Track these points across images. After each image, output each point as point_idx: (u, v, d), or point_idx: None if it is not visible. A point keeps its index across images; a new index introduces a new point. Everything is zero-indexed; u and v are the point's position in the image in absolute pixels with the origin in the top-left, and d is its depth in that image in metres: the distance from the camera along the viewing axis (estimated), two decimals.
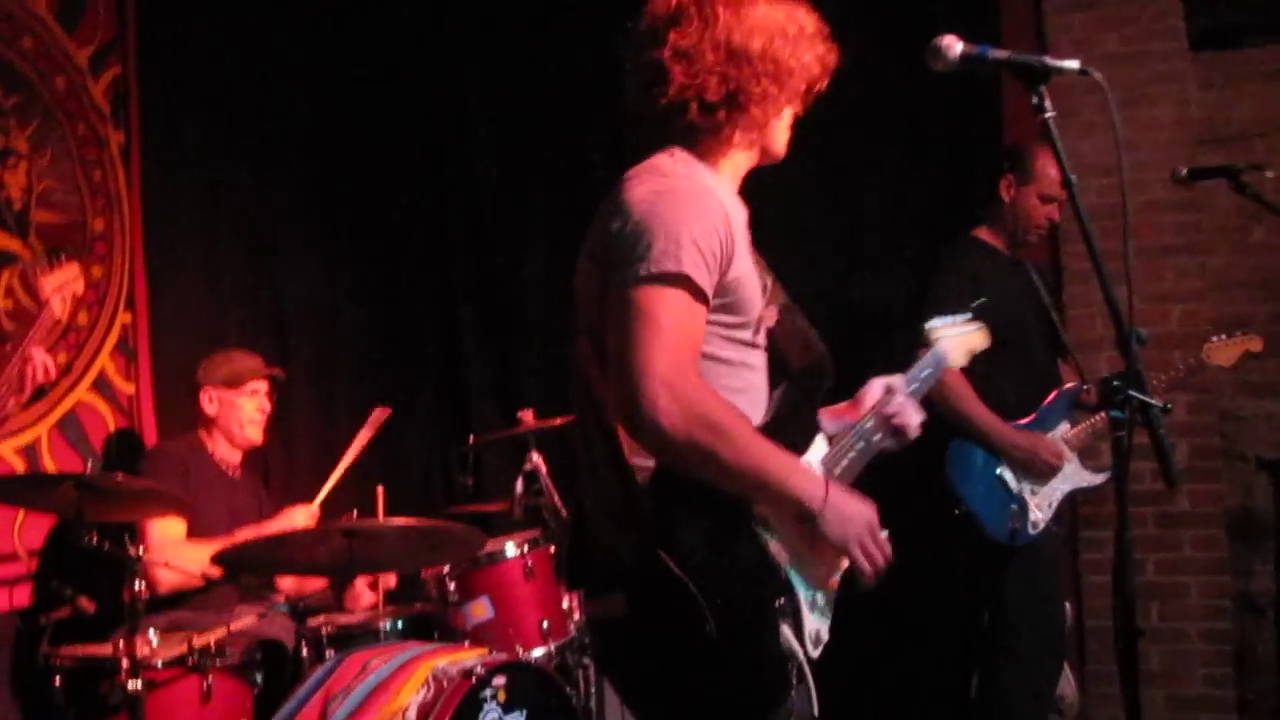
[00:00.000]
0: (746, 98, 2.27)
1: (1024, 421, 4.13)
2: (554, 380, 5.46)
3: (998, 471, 4.08)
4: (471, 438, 4.78)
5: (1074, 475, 4.15)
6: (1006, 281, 4.16)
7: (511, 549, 4.07)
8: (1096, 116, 4.69)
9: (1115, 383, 2.35)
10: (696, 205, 2.16)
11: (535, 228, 5.62)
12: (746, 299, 2.24)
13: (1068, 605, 4.66)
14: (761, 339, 2.34)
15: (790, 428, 2.30)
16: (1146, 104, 5.05)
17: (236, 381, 4.36)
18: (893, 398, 2.48)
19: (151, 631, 3.44)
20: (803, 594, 2.24)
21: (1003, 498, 4.06)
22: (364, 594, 4.20)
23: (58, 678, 3.49)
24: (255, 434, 4.43)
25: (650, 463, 2.15)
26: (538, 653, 4.00)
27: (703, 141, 2.31)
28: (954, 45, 2.39)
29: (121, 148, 4.75)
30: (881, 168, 5.03)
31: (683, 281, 2.10)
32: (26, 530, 4.18)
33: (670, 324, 2.08)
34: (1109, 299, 2.37)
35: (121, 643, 3.35)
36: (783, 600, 2.20)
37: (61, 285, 3.65)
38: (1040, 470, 4.07)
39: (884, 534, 2.24)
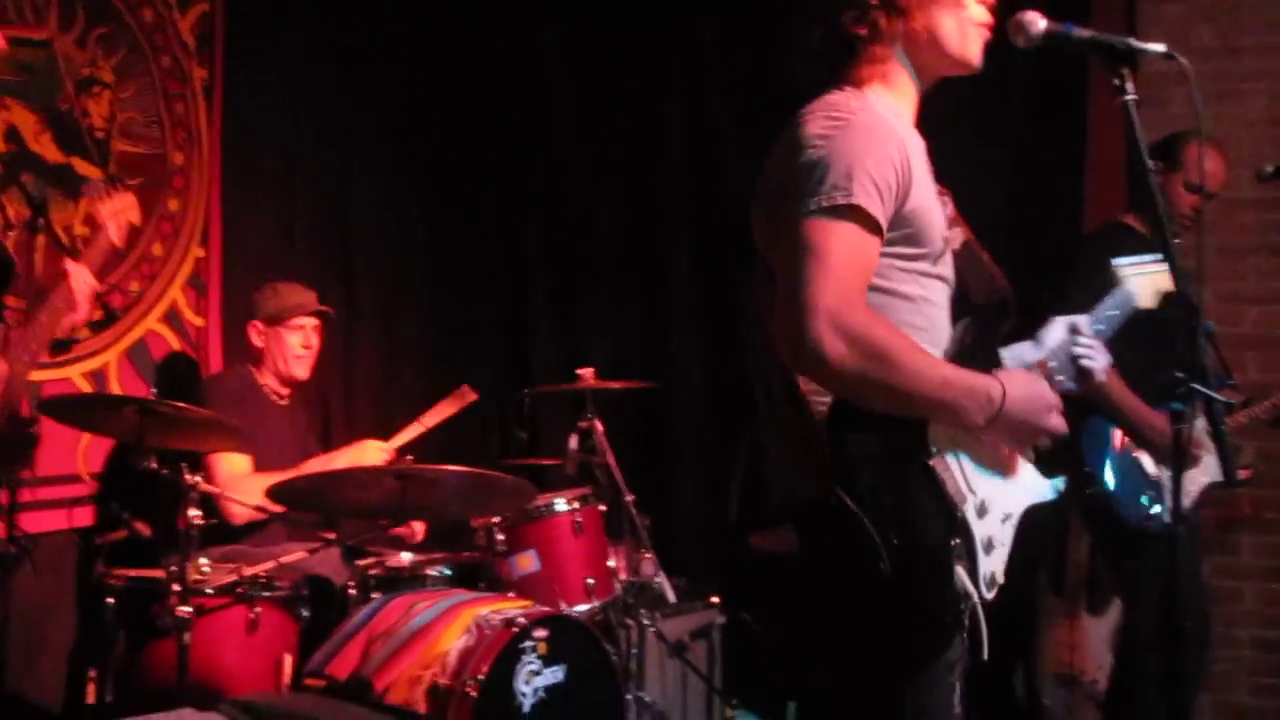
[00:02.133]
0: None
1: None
2: (618, 342, 5.48)
3: (1134, 454, 4.01)
4: (526, 390, 4.80)
5: (1214, 468, 4.04)
6: None
7: (561, 504, 4.09)
8: (1184, 109, 4.59)
9: (1179, 375, 2.32)
10: (870, 137, 2.17)
11: (609, 189, 5.62)
12: (926, 229, 2.24)
13: (1117, 600, 4.64)
14: (944, 270, 2.33)
15: (969, 364, 2.28)
16: (1237, 99, 4.95)
17: (280, 317, 4.37)
18: (1078, 337, 2.46)
19: (203, 560, 3.50)
20: (978, 532, 2.24)
21: (1139, 482, 4.00)
22: (415, 529, 4.25)
23: (111, 598, 3.56)
24: (301, 370, 4.42)
25: (828, 398, 2.17)
26: (581, 609, 4.03)
27: (871, 64, 2.31)
28: (1037, 20, 2.34)
29: (205, 84, 4.81)
30: (959, 157, 4.94)
31: (854, 213, 2.11)
32: (90, 452, 4.26)
33: (840, 257, 2.09)
34: (1179, 286, 2.33)
35: (173, 568, 3.40)
36: (957, 540, 2.20)
37: (117, 212, 3.70)
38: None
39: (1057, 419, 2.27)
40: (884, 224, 2.15)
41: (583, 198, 5.63)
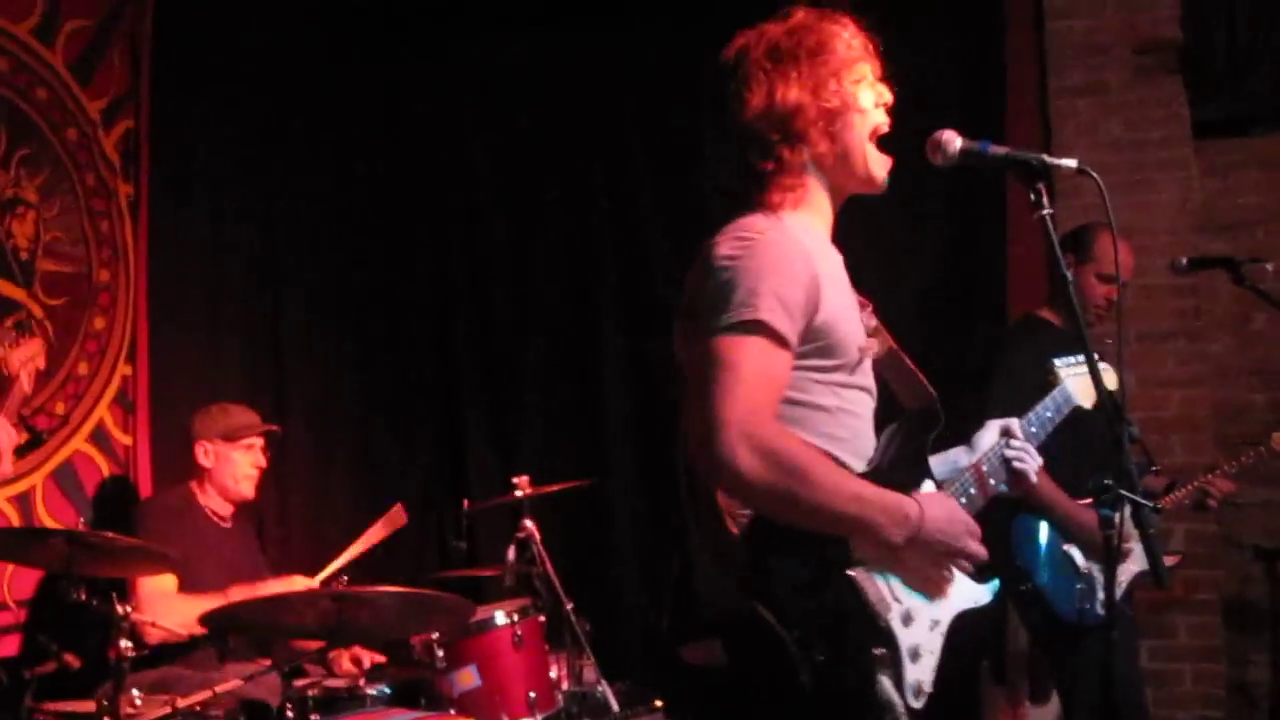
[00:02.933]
0: (801, 127, 2.30)
1: (1090, 501, 4.09)
2: (551, 447, 5.46)
3: (1065, 548, 4.04)
4: (466, 503, 4.77)
5: (1142, 558, 4.07)
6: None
7: (501, 617, 4.05)
8: (1097, 199, 4.69)
9: (1106, 481, 2.35)
10: (776, 255, 2.20)
11: (539, 295, 5.63)
12: (840, 341, 2.26)
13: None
14: (863, 380, 2.34)
15: (899, 470, 2.30)
16: (1149, 189, 5.09)
17: (233, 436, 4.36)
18: (1010, 440, 2.48)
19: (135, 691, 3.41)
20: (904, 641, 2.22)
21: (1070, 576, 4.03)
22: (348, 667, 4.18)
23: None
24: (248, 489, 4.42)
25: (748, 511, 2.17)
26: None
27: (783, 191, 2.33)
28: (954, 140, 2.40)
29: (130, 200, 4.80)
30: (885, 251, 5.03)
31: (761, 329, 2.13)
32: (16, 580, 4.17)
33: (748, 371, 2.11)
34: (1100, 392, 2.38)
35: (105, 701, 3.32)
36: (882, 650, 2.19)
37: (26, 360, 3.66)
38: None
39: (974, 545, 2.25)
40: (792, 339, 2.17)
41: (513, 305, 5.63)
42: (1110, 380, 2.77)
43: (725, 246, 2.23)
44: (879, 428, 2.40)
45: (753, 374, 2.12)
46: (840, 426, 2.27)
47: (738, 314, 2.13)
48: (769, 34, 2.37)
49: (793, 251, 2.23)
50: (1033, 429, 2.59)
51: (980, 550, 2.26)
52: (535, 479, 4.50)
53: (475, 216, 5.73)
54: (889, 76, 2.43)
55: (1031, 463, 2.49)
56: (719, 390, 2.10)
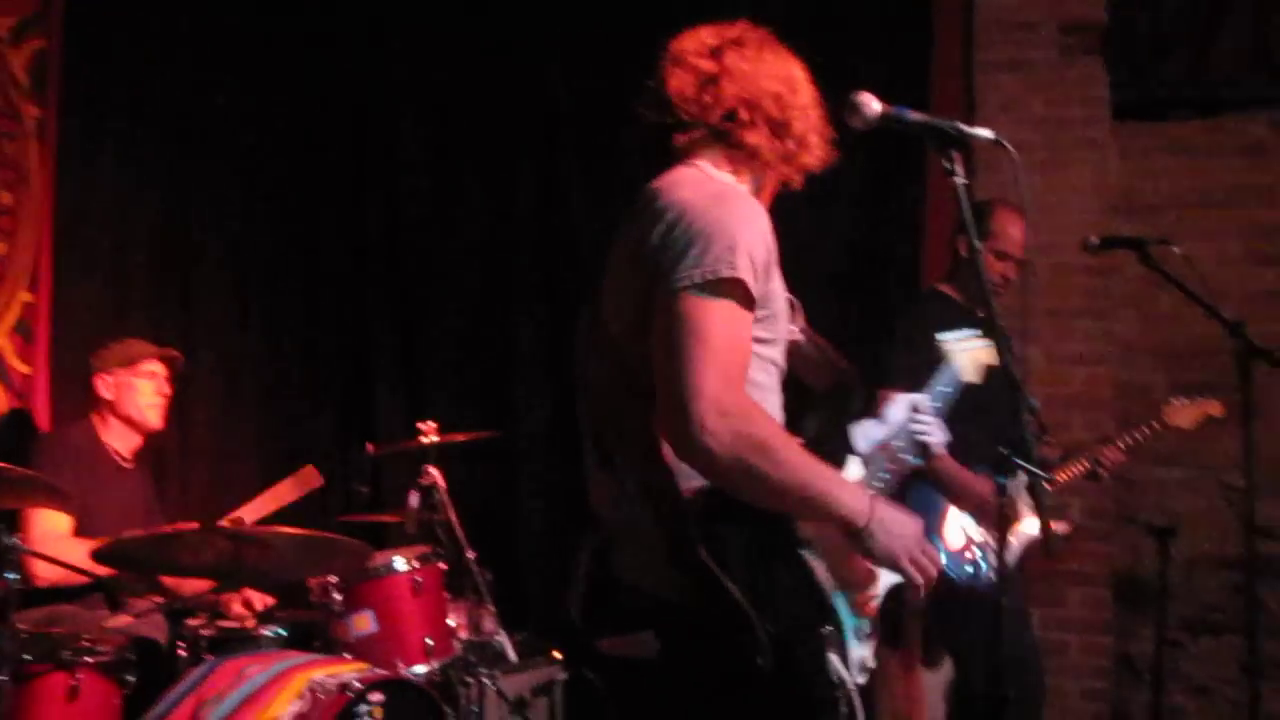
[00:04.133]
0: (785, 132, 2.29)
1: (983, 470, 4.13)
2: (462, 397, 5.42)
3: (958, 516, 4.08)
4: (371, 447, 4.72)
5: (1035, 525, 4.12)
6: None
7: (400, 563, 4.02)
8: (1013, 173, 4.74)
9: (1002, 450, 2.39)
10: (748, 211, 2.15)
11: (454, 239, 5.56)
12: (779, 314, 2.22)
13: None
14: (784, 361, 2.30)
15: (826, 451, 2.26)
16: (1066, 168, 5.14)
17: (132, 361, 4.30)
18: (917, 414, 2.50)
19: (20, 625, 3.35)
20: (847, 620, 2.23)
21: (963, 543, 4.08)
22: (239, 610, 4.13)
23: None
24: (155, 417, 4.36)
25: (695, 486, 2.10)
26: (420, 670, 3.95)
27: (730, 161, 2.31)
28: (871, 103, 2.40)
29: (38, 124, 4.67)
30: (803, 222, 5.04)
31: (736, 288, 2.07)
32: None
33: (722, 337, 2.04)
34: (1003, 362, 2.41)
35: None
36: (830, 628, 2.18)
37: None
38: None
39: (931, 548, 2.22)
40: (757, 302, 2.12)
41: (427, 249, 5.56)
42: (989, 356, 2.83)
43: (688, 193, 2.17)
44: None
45: (727, 340, 2.05)
46: (768, 404, 2.23)
47: (714, 270, 2.06)
48: (737, 26, 2.36)
49: (759, 212, 2.19)
50: (936, 404, 2.62)
51: (924, 570, 2.19)
52: (444, 427, 4.47)
53: (394, 162, 5.62)
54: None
55: (939, 436, 2.51)
56: (692, 358, 2.02)
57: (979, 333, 2.85)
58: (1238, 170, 5.27)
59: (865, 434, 2.45)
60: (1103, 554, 5.05)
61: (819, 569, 2.19)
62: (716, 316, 2.05)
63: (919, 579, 2.18)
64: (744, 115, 2.27)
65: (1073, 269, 5.05)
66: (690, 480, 2.11)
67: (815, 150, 2.35)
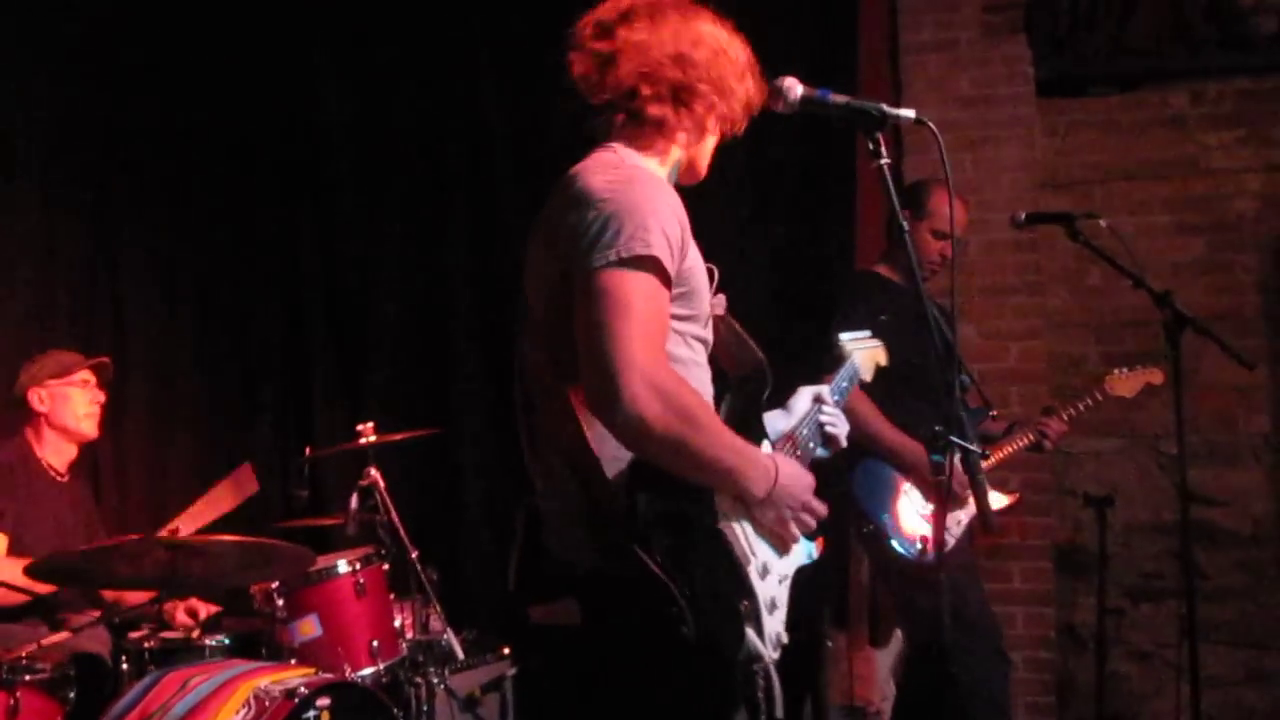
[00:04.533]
0: (691, 95, 2.29)
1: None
2: (399, 396, 5.39)
3: (905, 489, 4.10)
4: (309, 450, 4.68)
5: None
6: (903, 313, 4.20)
7: (343, 566, 3.99)
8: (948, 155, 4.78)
9: (937, 428, 2.41)
10: (657, 191, 2.19)
11: (388, 238, 5.52)
12: (698, 290, 2.25)
13: (899, 632, 4.79)
14: (708, 335, 2.34)
15: (738, 431, 2.28)
16: (994, 145, 5.20)
17: (64, 372, 4.24)
18: (823, 405, 2.53)
19: None
20: (761, 593, 2.25)
21: (910, 517, 4.09)
22: (183, 619, 4.09)
23: None
24: (90, 427, 4.31)
25: (618, 460, 2.14)
26: (366, 672, 3.93)
27: (644, 137, 2.33)
28: (795, 87, 2.41)
29: None
30: (735, 210, 5.05)
31: (651, 264, 2.11)
32: None
33: (642, 310, 2.08)
34: (938, 339, 2.43)
35: None
36: (746, 603, 2.20)
37: None
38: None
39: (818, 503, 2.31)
40: (673, 278, 2.16)
41: (361, 250, 5.51)
42: (882, 356, 2.89)
43: (600, 177, 2.20)
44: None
45: (647, 313, 2.09)
46: (691, 378, 2.25)
47: (629, 248, 2.09)
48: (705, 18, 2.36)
49: (668, 189, 2.23)
50: (835, 396, 2.65)
51: (821, 508, 2.33)
52: (382, 427, 4.44)
53: (324, 164, 5.57)
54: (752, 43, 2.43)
55: (842, 427, 2.55)
56: (616, 331, 2.06)
57: (872, 335, 2.91)
58: (1161, 142, 5.35)
59: (772, 424, 2.47)
60: (1043, 526, 5.11)
61: (736, 544, 2.22)
62: (637, 291, 2.09)
63: (812, 525, 2.33)
64: (645, 90, 2.28)
65: (1004, 246, 5.11)
66: (613, 456, 2.15)
67: (737, 95, 2.35)
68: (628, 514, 2.11)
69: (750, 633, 2.18)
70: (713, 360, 2.39)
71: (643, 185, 2.18)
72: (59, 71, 4.87)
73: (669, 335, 2.20)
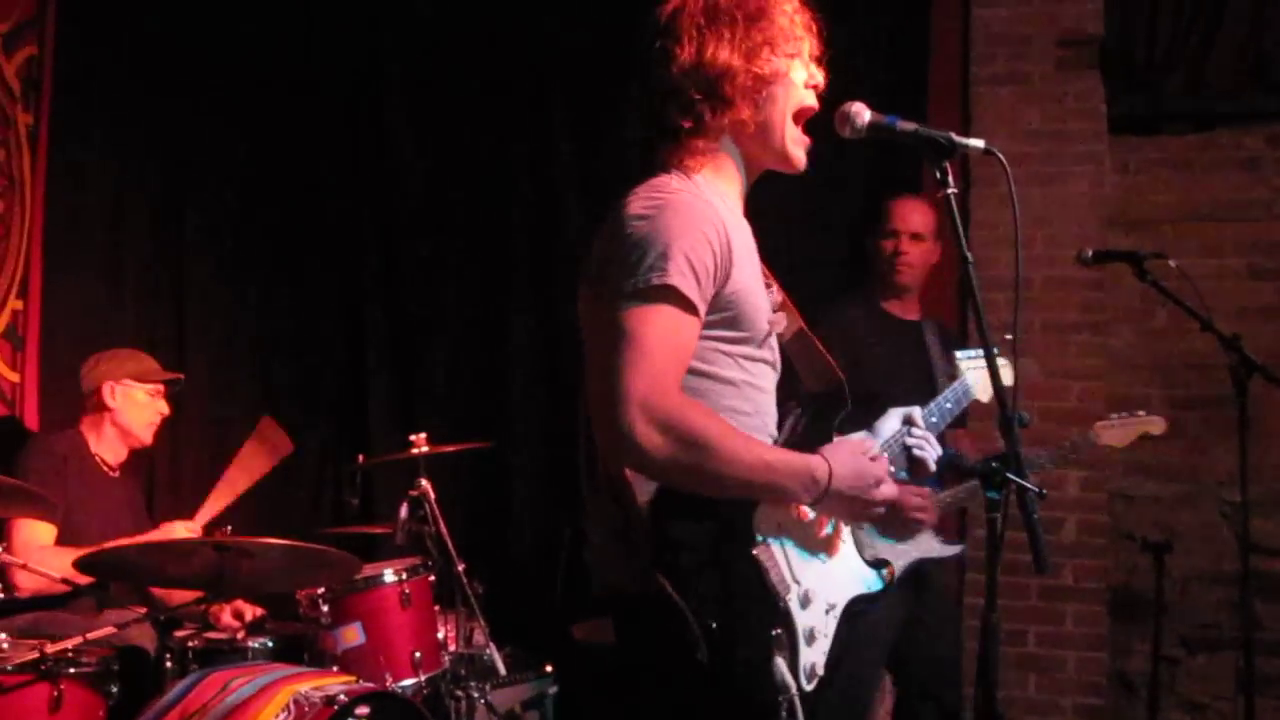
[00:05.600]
0: (713, 88, 2.26)
1: None
2: (453, 406, 5.39)
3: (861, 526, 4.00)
4: (361, 458, 4.70)
5: (925, 543, 4.04)
6: (879, 338, 4.15)
7: (389, 575, 4.00)
8: (1016, 188, 4.72)
9: (994, 464, 2.35)
10: (688, 217, 2.16)
11: (449, 253, 5.53)
12: (748, 313, 2.23)
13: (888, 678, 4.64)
14: (769, 354, 2.32)
15: (803, 450, 2.28)
16: (1063, 181, 5.12)
17: (145, 377, 4.32)
18: (911, 428, 2.49)
19: (1, 634, 3.32)
20: (800, 623, 2.22)
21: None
22: (229, 621, 4.10)
23: None
24: (149, 435, 4.40)
25: (649, 485, 2.14)
26: (407, 683, 3.93)
27: (691, 153, 2.31)
28: (862, 112, 2.38)
29: (30, 130, 4.66)
30: (798, 228, 5.00)
31: (669, 294, 2.10)
32: None
33: (654, 341, 2.08)
34: (994, 377, 2.37)
35: None
36: (779, 630, 2.18)
37: None
38: (904, 523, 3.83)
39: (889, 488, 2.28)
40: (701, 305, 2.14)
41: (421, 260, 5.53)
42: (1007, 374, 2.82)
43: (636, 205, 2.20)
44: (781, 407, 2.40)
45: (658, 344, 2.08)
46: (744, 400, 2.25)
47: (647, 278, 2.09)
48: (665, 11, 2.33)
49: (706, 214, 2.20)
50: (933, 419, 2.61)
51: (890, 491, 2.29)
52: (436, 438, 4.45)
53: (388, 168, 5.60)
54: (825, 60, 2.41)
55: (931, 451, 2.50)
56: (622, 363, 2.06)
57: (995, 351, 2.84)
58: (1234, 184, 5.25)
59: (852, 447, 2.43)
60: (1098, 570, 5.02)
61: (774, 569, 2.19)
62: (649, 322, 2.09)
63: (881, 521, 2.32)
64: (671, 109, 2.27)
65: (1069, 282, 5.03)
66: (645, 480, 2.15)
67: (767, 35, 2.28)
68: (652, 537, 2.11)
69: (779, 662, 2.16)
70: (792, 378, 2.38)
71: (675, 212, 2.16)
72: (126, 68, 4.93)
73: (716, 361, 2.21)
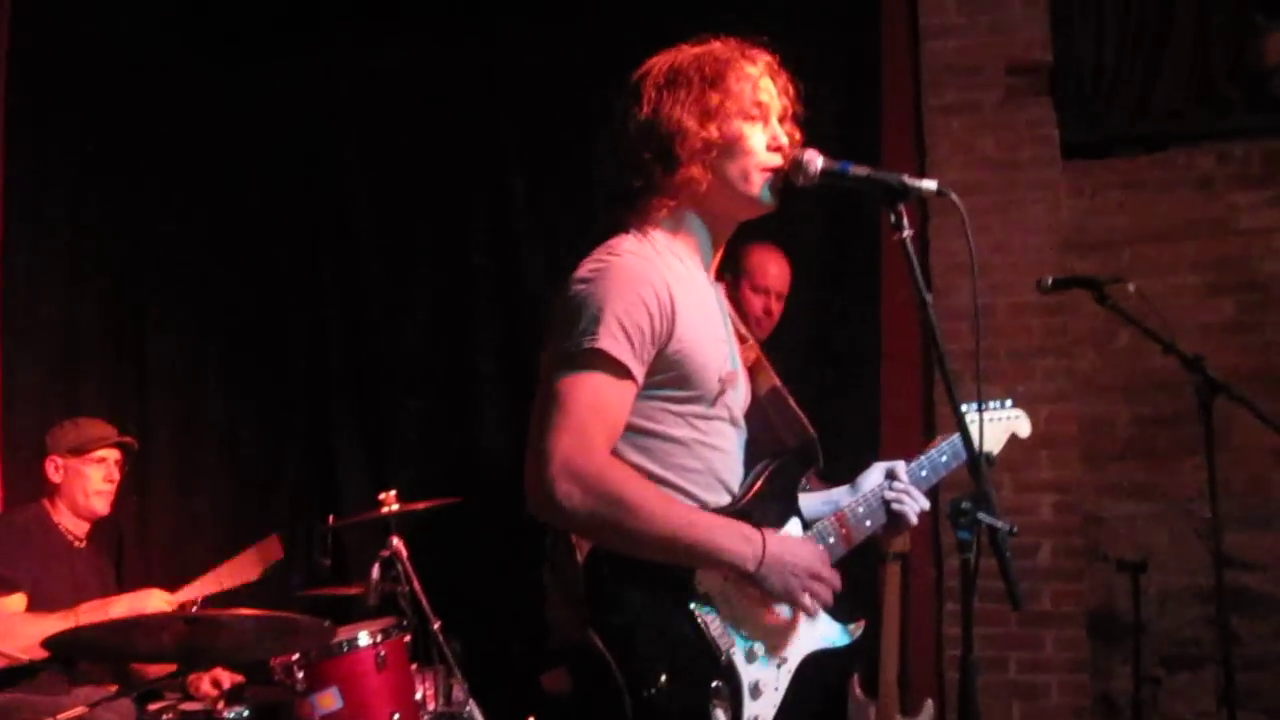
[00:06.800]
0: (665, 149, 2.27)
1: None
2: (424, 465, 5.36)
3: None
4: (331, 519, 4.66)
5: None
6: None
7: (364, 638, 3.96)
8: (970, 218, 4.73)
9: (964, 504, 2.35)
10: (626, 280, 2.18)
11: (412, 310, 5.52)
12: (695, 373, 2.24)
13: (929, 702, 4.70)
14: (726, 412, 2.32)
15: (766, 505, 2.33)
16: (1020, 208, 5.16)
17: (83, 449, 4.25)
18: (893, 482, 2.48)
19: None
20: (745, 677, 2.22)
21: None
22: (207, 690, 4.05)
23: None
24: (101, 505, 4.30)
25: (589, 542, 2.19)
26: None
27: (648, 212, 2.33)
28: (815, 160, 2.39)
29: None
30: None
31: (599, 358, 2.13)
32: None
33: (580, 404, 2.12)
34: (960, 422, 2.36)
35: None
36: (719, 684, 2.18)
37: None
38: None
39: (829, 573, 2.28)
40: (635, 366, 2.17)
41: (386, 318, 5.52)
42: (1022, 428, 2.82)
43: (582, 269, 2.23)
44: (756, 460, 2.40)
45: (584, 407, 2.12)
46: (693, 458, 2.27)
47: (578, 342, 2.13)
48: (676, 56, 2.36)
49: (646, 276, 2.21)
50: (923, 473, 2.58)
51: (822, 592, 2.28)
52: (407, 496, 4.41)
53: (348, 227, 5.59)
54: (798, 117, 2.42)
55: (912, 505, 2.48)
56: (549, 423, 2.12)
57: (1011, 402, 2.84)
58: (1187, 203, 5.30)
59: (830, 499, 2.45)
60: (1075, 594, 5.02)
61: (714, 623, 2.20)
62: (576, 386, 2.13)
63: (813, 611, 2.28)
64: (634, 180, 2.31)
65: (1031, 308, 5.06)
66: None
67: (726, 96, 2.29)
68: (590, 592, 2.16)
69: (719, 714, 2.17)
70: (765, 434, 2.38)
71: (614, 275, 2.19)
72: (83, 144, 4.90)
73: (663, 420, 2.24)
